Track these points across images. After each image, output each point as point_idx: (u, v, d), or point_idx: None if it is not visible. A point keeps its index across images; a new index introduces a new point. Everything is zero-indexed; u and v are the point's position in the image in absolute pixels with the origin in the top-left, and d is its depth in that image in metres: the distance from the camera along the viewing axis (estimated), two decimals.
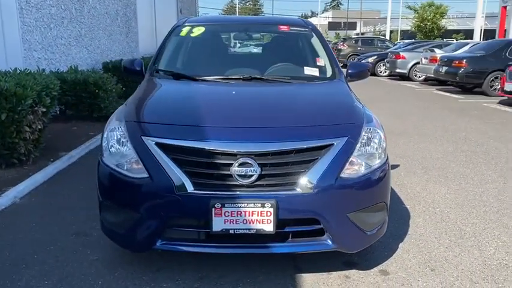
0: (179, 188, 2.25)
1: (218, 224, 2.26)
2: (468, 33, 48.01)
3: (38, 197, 3.95)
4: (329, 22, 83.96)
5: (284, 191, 2.27)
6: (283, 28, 3.81)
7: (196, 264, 2.70)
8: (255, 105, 2.82)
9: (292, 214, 2.30)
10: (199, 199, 2.26)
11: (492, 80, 11.61)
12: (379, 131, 2.58)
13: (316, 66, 3.48)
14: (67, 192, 4.04)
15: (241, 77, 3.20)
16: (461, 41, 23.32)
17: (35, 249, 2.94)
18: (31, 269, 2.69)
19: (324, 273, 2.65)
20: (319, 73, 3.41)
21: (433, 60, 14.10)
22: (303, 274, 2.64)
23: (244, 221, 2.25)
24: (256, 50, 3.97)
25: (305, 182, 2.28)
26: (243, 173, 2.25)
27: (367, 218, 2.47)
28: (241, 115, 2.60)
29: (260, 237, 2.34)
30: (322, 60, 3.52)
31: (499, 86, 10.54)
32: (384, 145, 2.58)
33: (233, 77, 3.24)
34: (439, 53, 14.34)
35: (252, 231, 2.27)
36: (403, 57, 16.44)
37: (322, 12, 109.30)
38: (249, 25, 4.05)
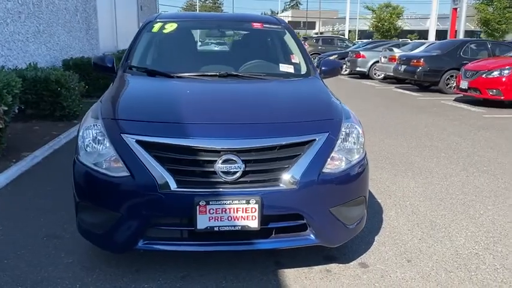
0: (162, 186, 2.21)
1: (203, 221, 2.23)
2: (421, 34, 49.74)
3: (2, 199, 3.77)
4: (289, 21, 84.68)
5: (268, 187, 2.28)
6: (257, 25, 3.81)
7: (178, 263, 2.66)
8: (235, 101, 2.80)
9: (277, 210, 2.31)
10: (183, 197, 2.22)
11: (448, 78, 12.08)
12: (357, 126, 2.63)
13: (291, 63, 3.51)
14: (33, 194, 3.88)
15: (217, 73, 3.18)
16: (418, 40, 24.11)
17: (4, 253, 2.81)
18: (2, 274, 2.57)
19: (305, 268, 2.67)
20: (294, 70, 3.44)
21: (392, 59, 14.52)
22: (284, 269, 2.65)
23: (229, 218, 2.24)
24: (230, 46, 3.95)
25: (288, 178, 2.29)
26: (226, 170, 2.23)
27: (348, 212, 2.52)
28: (221, 112, 2.58)
29: (244, 234, 2.33)
30: (297, 58, 3.55)
31: (455, 84, 10.98)
32: (362, 140, 2.63)
33: (208, 73, 3.21)
34: (397, 52, 14.80)
35: (237, 228, 2.27)
36: (363, 56, 16.84)
37: (282, 12, 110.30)
38: (222, 22, 4.03)
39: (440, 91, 12.20)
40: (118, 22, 15.36)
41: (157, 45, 3.66)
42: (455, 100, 10.76)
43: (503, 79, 9.25)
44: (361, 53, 17.04)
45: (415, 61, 12.29)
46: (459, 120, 8.05)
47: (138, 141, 2.30)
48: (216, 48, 3.91)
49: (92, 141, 2.43)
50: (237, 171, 2.24)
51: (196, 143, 2.27)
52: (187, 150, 2.27)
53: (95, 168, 2.36)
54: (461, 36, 25.79)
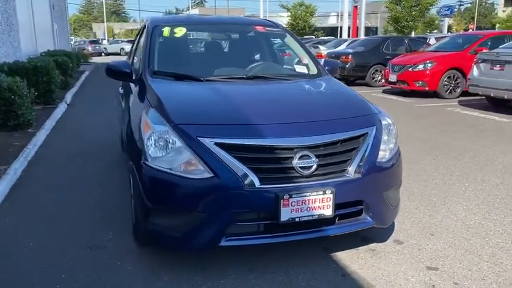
0: (248, 184, 2.36)
1: (286, 214, 2.41)
2: (326, 31, 52.59)
3: (10, 217, 3.57)
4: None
5: (339, 178, 2.52)
6: (260, 28, 4.00)
7: (239, 258, 2.79)
8: (284, 101, 2.99)
9: (346, 198, 2.57)
10: (268, 193, 2.39)
11: (373, 73, 13.13)
12: (388, 119, 2.97)
13: (303, 64, 3.76)
14: (41, 206, 3.71)
15: (244, 76, 3.32)
16: (340, 38, 25.55)
17: (57, 269, 2.73)
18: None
19: (352, 250, 2.96)
20: (307, 70, 3.69)
21: (318, 56, 15.34)
22: (335, 253, 2.91)
23: (308, 209, 2.45)
24: (241, 49, 4.09)
25: (354, 168, 2.56)
26: (303, 165, 2.44)
27: (393, 195, 2.85)
28: (281, 112, 2.76)
29: (316, 223, 2.55)
30: (306, 58, 3.81)
31: (383, 78, 11.99)
32: (395, 131, 2.97)
33: (236, 76, 3.35)
34: (323, 49, 15.67)
35: (314, 217, 2.48)
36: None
37: (187, 10, 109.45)
38: (227, 26, 4.15)
39: (367, 84, 13.20)
40: (36, 22, 14.38)
41: (174, 50, 3.70)
42: (384, 92, 11.76)
43: (427, 72, 10.33)
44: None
45: (343, 57, 13.16)
46: (390, 109, 8.87)
47: (217, 144, 2.41)
48: (229, 51, 4.00)
49: (163, 146, 2.49)
50: (312, 166, 2.45)
51: (273, 142, 2.45)
52: (266, 149, 2.44)
53: (172, 172, 2.43)
54: (362, 32, 27.86)
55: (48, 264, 2.80)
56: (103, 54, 40.72)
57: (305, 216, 2.46)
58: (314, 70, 3.70)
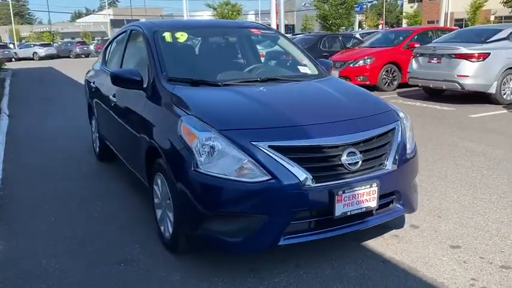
0: (304, 183, 2.45)
1: (339, 209, 2.55)
2: None
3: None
4: (111, 20, 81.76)
5: (380, 171, 2.70)
6: (255, 31, 4.07)
7: (279, 256, 2.87)
8: (314, 102, 3.11)
9: (386, 189, 2.75)
10: (323, 190, 2.50)
11: None
12: (403, 113, 3.20)
13: (303, 64, 3.89)
14: (45, 228, 3.50)
15: (258, 79, 3.39)
16: None
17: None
18: None
19: (378, 238, 3.16)
20: (310, 70, 3.83)
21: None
22: (366, 242, 3.10)
23: (357, 202, 2.60)
24: (244, 52, 4.11)
25: (391, 161, 2.75)
26: (351, 161, 2.58)
27: (415, 183, 3.10)
28: (318, 112, 2.88)
29: (361, 215, 2.71)
30: (304, 59, 3.95)
31: None
32: (410, 123, 3.21)
33: (251, 79, 3.40)
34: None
35: (362, 210, 2.64)
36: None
37: (98, 10, 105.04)
38: (224, 29, 4.15)
39: None
40: None
41: (181, 55, 3.65)
42: None
43: (367, 67, 10.97)
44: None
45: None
46: None
47: (271, 147, 2.48)
48: (232, 55, 4.01)
49: (213, 153, 2.50)
50: (358, 161, 2.61)
51: (323, 141, 2.56)
52: (317, 149, 2.55)
53: (228, 177, 2.45)
54: (282, 30, 28.72)
55: (87, 285, 2.68)
56: (13, 59, 37.71)
57: (355, 210, 2.61)
58: (315, 70, 3.85)
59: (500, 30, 8.90)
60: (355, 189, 2.58)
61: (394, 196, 2.88)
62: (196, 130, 2.61)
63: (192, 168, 2.54)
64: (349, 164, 2.58)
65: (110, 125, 4.31)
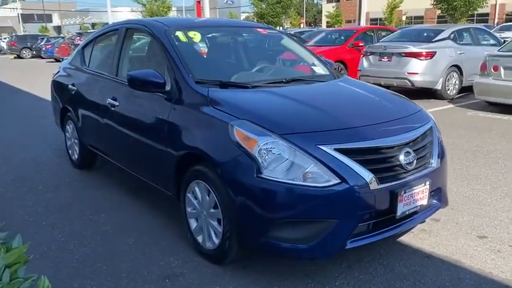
0: (371, 185, 2.46)
1: (400, 208, 2.59)
2: None
3: None
4: (21, 14, 76.30)
5: (428, 169, 2.79)
6: (262, 31, 3.99)
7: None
8: (355, 103, 3.12)
9: (434, 186, 2.84)
10: (387, 191, 2.53)
11: None
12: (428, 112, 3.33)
13: (315, 64, 3.89)
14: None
15: (284, 80, 3.33)
16: None
17: None
18: None
19: (410, 234, 3.26)
20: (323, 71, 3.84)
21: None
22: (401, 239, 3.18)
23: (414, 201, 2.67)
24: (258, 52, 4.00)
25: (435, 158, 2.85)
26: (408, 161, 2.64)
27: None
28: (366, 113, 2.89)
29: (412, 213, 2.77)
30: (313, 59, 3.96)
31: None
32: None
33: (276, 80, 3.33)
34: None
35: (416, 208, 2.71)
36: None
37: (3, 3, 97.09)
38: (232, 28, 3.98)
39: None
40: None
41: (200, 56, 3.47)
42: None
43: None
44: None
45: None
46: None
47: (336, 149, 2.45)
48: (248, 55, 3.87)
49: (277, 158, 2.43)
50: (413, 161, 2.67)
51: (384, 142, 2.59)
52: (379, 150, 2.57)
53: (296, 182, 2.39)
54: None
55: None
56: None
57: (412, 208, 2.67)
58: (326, 70, 3.87)
59: (442, 31, 9.59)
60: (413, 188, 2.64)
61: (435, 192, 2.98)
62: (255, 135, 2.51)
63: (255, 175, 2.44)
64: (406, 163, 2.63)
65: (106, 131, 4.00)
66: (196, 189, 2.90)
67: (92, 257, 3.01)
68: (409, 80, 9.05)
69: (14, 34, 39.38)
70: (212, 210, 2.77)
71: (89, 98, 4.29)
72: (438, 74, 9.00)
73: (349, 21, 52.51)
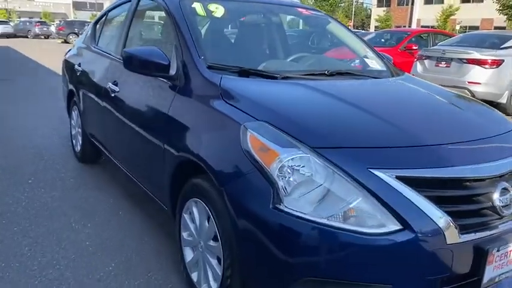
0: (448, 236, 1.60)
1: (489, 273, 1.71)
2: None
3: None
4: (74, 1, 78.92)
5: None
6: (304, 11, 3.17)
7: None
8: (427, 110, 2.23)
9: None
10: (471, 246, 1.66)
11: None
12: None
13: (368, 57, 3.04)
14: None
15: (326, 72, 2.50)
16: None
17: None
18: None
19: None
20: (379, 65, 2.98)
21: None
22: None
23: (508, 263, 1.78)
24: (298, 36, 3.21)
25: None
26: (504, 202, 1.75)
27: None
28: (442, 127, 2.01)
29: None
30: (368, 51, 3.11)
31: None
32: None
33: (317, 72, 2.50)
34: None
35: (509, 274, 1.81)
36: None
37: None
38: (267, 6, 3.19)
39: None
40: None
41: (220, 34, 2.71)
42: None
43: None
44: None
45: None
46: None
47: (399, 178, 1.61)
48: (283, 38, 3.09)
49: (309, 182, 1.61)
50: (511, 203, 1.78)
51: (469, 172, 1.72)
52: (461, 182, 1.71)
53: (332, 224, 1.56)
54: None
55: None
56: None
57: (506, 273, 1.79)
58: (382, 65, 3.01)
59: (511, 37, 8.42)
60: (510, 244, 1.75)
61: None
62: (275, 145, 1.71)
63: (270, 205, 1.63)
64: (502, 206, 1.75)
65: (105, 121, 3.30)
66: (194, 210, 2.13)
67: (56, 284, 2.30)
68: (470, 90, 7.95)
69: (62, 19, 40.16)
70: (211, 242, 1.99)
71: (92, 81, 3.61)
72: (504, 86, 7.86)
73: (398, 27, 50.54)
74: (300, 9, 3.15)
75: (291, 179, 1.63)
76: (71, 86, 4.27)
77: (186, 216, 2.22)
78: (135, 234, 2.87)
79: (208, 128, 2.04)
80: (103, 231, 2.91)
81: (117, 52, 3.27)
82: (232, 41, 2.87)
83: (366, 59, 3.03)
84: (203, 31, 2.62)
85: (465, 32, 45.62)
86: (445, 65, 8.35)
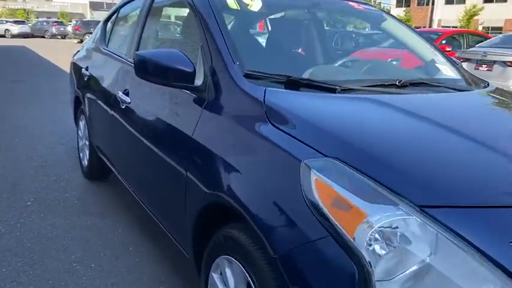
0: None
1: None
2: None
3: None
4: (90, 1, 79.71)
5: None
6: (355, 5, 2.59)
7: None
8: None
9: None
10: None
11: None
12: None
13: (439, 63, 2.44)
14: None
15: (397, 83, 1.92)
16: None
17: None
18: None
19: None
20: (454, 73, 2.38)
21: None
22: None
23: None
24: (348, 38, 2.63)
25: None
26: None
27: None
28: None
29: None
30: (437, 54, 2.51)
31: None
32: None
33: (385, 83, 1.91)
34: None
35: None
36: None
37: None
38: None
39: None
40: None
41: (258, 34, 2.15)
42: None
43: None
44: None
45: None
46: None
47: None
48: (335, 38, 2.55)
49: (411, 259, 1.04)
50: None
51: None
52: None
53: None
54: None
55: None
56: None
57: None
58: (456, 72, 2.41)
59: None
60: None
61: None
62: (361, 199, 1.14)
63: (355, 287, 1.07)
64: None
65: (114, 136, 2.78)
66: (227, 271, 1.57)
67: None
68: None
69: (78, 19, 40.10)
70: None
71: (100, 88, 3.09)
72: None
73: (418, 27, 49.44)
74: (350, 3, 2.57)
75: (388, 253, 1.06)
76: (77, 93, 3.76)
77: (215, 276, 1.66)
78: (147, 281, 2.32)
79: (251, 161, 1.48)
80: (109, 274, 2.37)
81: (129, 55, 2.74)
82: (273, 41, 2.31)
83: (436, 65, 2.42)
84: (237, 30, 2.07)
85: (487, 33, 44.50)
86: (486, 68, 7.67)
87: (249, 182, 1.44)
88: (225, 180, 1.54)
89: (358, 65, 2.37)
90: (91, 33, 31.05)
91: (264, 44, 2.25)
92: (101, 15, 71.55)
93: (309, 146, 1.32)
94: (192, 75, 1.83)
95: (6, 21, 37.33)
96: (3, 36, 34.41)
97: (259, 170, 1.42)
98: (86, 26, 32.65)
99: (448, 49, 9.81)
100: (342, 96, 1.71)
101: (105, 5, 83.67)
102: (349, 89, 1.77)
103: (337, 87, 1.75)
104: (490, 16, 41.35)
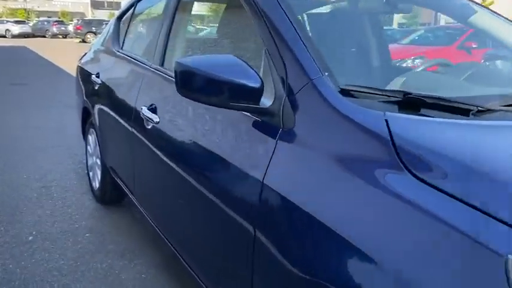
0: None
1: None
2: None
3: None
4: (92, 0, 79.52)
5: None
6: None
7: None
8: None
9: None
10: None
11: None
12: None
13: None
14: None
15: None
16: None
17: None
18: None
19: None
20: None
21: None
22: None
23: None
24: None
25: None
26: None
27: None
28: None
29: None
30: None
31: None
32: None
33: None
34: None
35: None
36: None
37: None
38: None
39: None
40: None
41: (339, 35, 1.58)
42: None
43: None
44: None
45: None
46: None
47: None
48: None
49: None
50: None
51: None
52: None
53: None
54: None
55: None
56: None
57: None
58: None
59: None
60: None
61: None
62: None
63: None
64: None
65: (136, 162, 2.23)
66: None
67: None
68: None
69: (79, 18, 39.53)
70: None
71: (115, 100, 2.54)
72: None
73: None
74: None
75: None
76: (86, 103, 3.21)
77: None
78: None
79: (389, 242, 0.92)
80: None
81: (152, 60, 2.19)
82: (357, 43, 1.75)
83: None
84: (316, 29, 1.51)
85: None
86: None
87: (389, 275, 0.88)
88: (338, 266, 0.98)
89: (455, 71, 1.82)
90: (92, 32, 30.66)
91: (351, 45, 1.69)
92: (102, 14, 71.14)
93: (497, 219, 0.77)
94: (259, 93, 1.28)
95: (7, 21, 36.84)
96: (3, 36, 33.92)
97: (407, 257, 0.87)
98: (87, 25, 32.14)
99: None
100: (482, 122, 1.16)
101: (105, 4, 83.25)
102: (484, 110, 1.22)
103: (472, 108, 1.20)
104: (502, 8, 40.67)
